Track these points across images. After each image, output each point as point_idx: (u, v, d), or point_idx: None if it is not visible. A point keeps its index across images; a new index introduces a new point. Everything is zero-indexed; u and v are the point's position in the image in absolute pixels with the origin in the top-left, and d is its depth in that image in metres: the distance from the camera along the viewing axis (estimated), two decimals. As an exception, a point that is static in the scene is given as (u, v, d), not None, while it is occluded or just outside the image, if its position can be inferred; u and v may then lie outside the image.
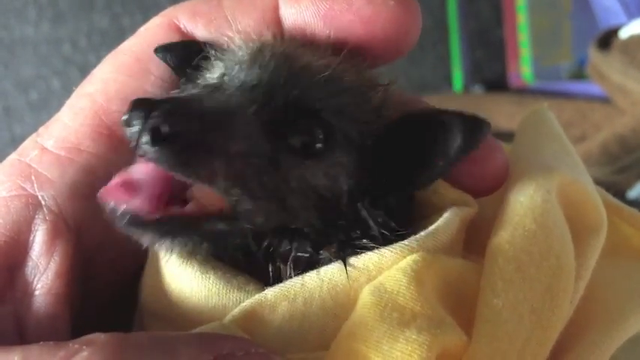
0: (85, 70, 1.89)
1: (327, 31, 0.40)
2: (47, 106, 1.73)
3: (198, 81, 0.42)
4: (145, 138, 0.33)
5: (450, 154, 0.38)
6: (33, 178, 0.39)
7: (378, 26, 0.40)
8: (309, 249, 0.39)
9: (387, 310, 0.35)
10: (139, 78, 0.42)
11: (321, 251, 0.39)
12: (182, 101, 0.35)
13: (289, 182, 0.38)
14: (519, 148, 0.45)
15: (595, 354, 0.39)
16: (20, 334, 0.37)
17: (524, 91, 1.79)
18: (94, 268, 0.41)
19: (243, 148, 0.36)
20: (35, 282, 0.38)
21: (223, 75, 0.40)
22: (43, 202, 0.39)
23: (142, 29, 0.44)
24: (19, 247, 0.38)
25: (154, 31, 0.43)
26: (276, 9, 0.41)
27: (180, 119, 0.34)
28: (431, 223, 0.39)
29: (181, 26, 0.43)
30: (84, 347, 0.31)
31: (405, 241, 0.37)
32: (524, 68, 1.85)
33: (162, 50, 0.43)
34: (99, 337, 0.32)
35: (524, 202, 0.38)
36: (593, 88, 1.38)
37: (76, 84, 0.44)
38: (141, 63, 0.42)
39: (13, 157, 0.41)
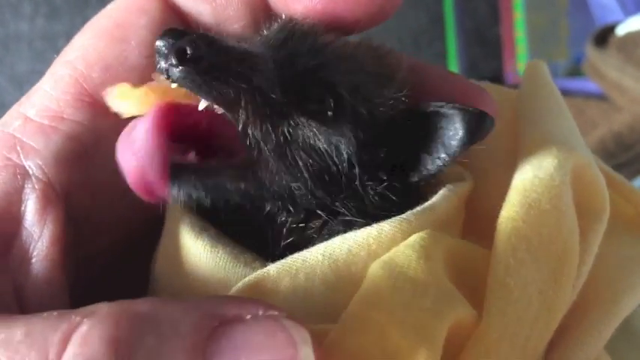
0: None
1: None
2: (42, 102, 1.72)
3: None
4: (171, 59, 0.35)
5: (453, 148, 0.39)
6: (18, 148, 0.39)
7: None
8: (302, 217, 0.40)
9: (400, 282, 0.35)
10: (119, 44, 0.41)
11: (314, 222, 0.40)
12: (209, 35, 0.37)
13: (296, 138, 0.39)
14: (529, 110, 0.44)
15: (594, 336, 0.39)
16: (19, 302, 0.37)
17: (521, 89, 1.78)
18: (83, 236, 0.41)
19: (263, 85, 0.37)
20: (31, 250, 0.38)
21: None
22: (30, 172, 0.39)
23: None
24: (11, 218, 0.38)
25: None
26: None
27: (206, 45, 0.36)
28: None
29: None
30: (84, 320, 0.30)
31: (403, 215, 0.38)
32: (520, 65, 1.85)
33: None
34: (101, 307, 0.31)
35: (543, 179, 0.38)
36: (590, 85, 1.38)
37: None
38: (120, 29, 0.42)
39: None
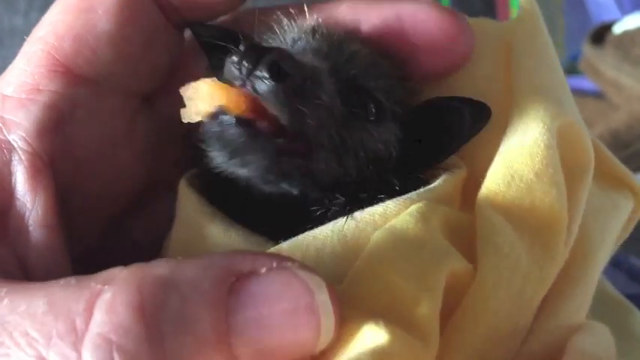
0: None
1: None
2: (36, 97, 1.70)
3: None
4: (263, 72, 0.36)
5: (463, 135, 0.43)
6: (0, 125, 0.40)
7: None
8: (331, 205, 0.42)
9: (399, 240, 0.37)
10: (86, 15, 0.42)
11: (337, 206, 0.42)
12: (288, 51, 0.39)
13: (350, 140, 0.41)
14: (524, 57, 0.45)
15: (580, 287, 0.41)
16: (24, 272, 0.38)
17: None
18: (72, 207, 0.42)
19: (329, 100, 0.40)
20: (26, 219, 0.39)
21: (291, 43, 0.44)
22: (15, 145, 0.40)
23: None
24: (3, 191, 0.39)
25: None
26: None
27: (293, 64, 0.37)
28: None
29: None
30: (106, 287, 0.31)
31: (407, 195, 0.40)
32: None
33: (199, 28, 0.46)
34: (120, 272, 0.32)
35: (526, 145, 0.40)
36: (586, 83, 1.38)
37: None
38: (86, 1, 0.42)
39: None
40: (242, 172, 0.40)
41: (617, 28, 1.33)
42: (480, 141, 0.44)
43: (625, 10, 1.54)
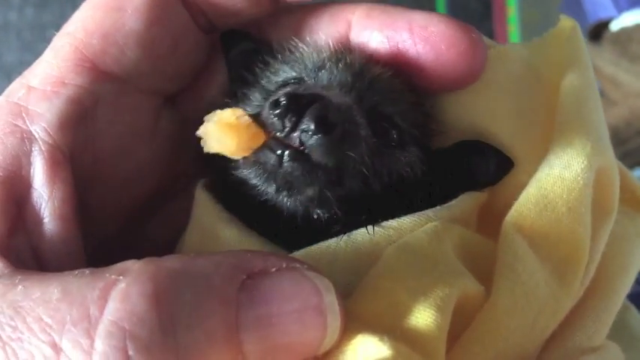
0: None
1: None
2: (31, 93, 1.70)
3: (262, 81, 0.45)
4: (310, 126, 0.36)
5: (490, 175, 0.43)
6: (23, 115, 0.40)
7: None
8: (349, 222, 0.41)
9: (411, 257, 0.37)
10: (116, 13, 0.43)
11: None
12: (323, 96, 0.39)
13: (384, 166, 0.42)
14: (569, 88, 0.44)
15: (592, 319, 0.41)
16: (38, 262, 0.38)
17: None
18: (88, 199, 0.42)
19: (366, 136, 0.40)
20: (42, 210, 0.39)
21: (302, 75, 0.44)
22: (36, 135, 0.40)
23: None
24: (22, 180, 0.39)
25: None
26: None
27: (336, 113, 0.38)
28: None
29: None
30: (120, 277, 0.31)
31: (423, 212, 0.40)
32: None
33: (230, 37, 0.47)
34: (133, 264, 0.32)
35: (566, 179, 0.40)
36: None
37: None
38: (116, 0, 0.43)
39: (0, 99, 0.42)
40: (288, 201, 0.40)
41: (614, 26, 1.34)
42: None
43: (621, 8, 1.54)
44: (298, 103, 0.37)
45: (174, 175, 0.47)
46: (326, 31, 0.46)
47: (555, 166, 0.40)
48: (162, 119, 0.46)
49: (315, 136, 0.37)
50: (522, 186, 0.41)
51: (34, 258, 0.38)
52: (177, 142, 0.47)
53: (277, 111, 0.37)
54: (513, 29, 1.84)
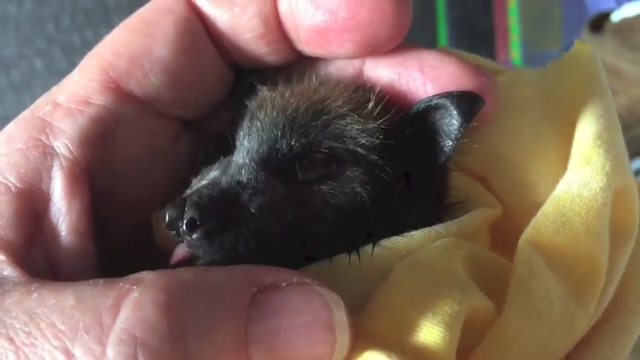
0: (68, 50, 1.86)
1: (315, 16, 0.43)
2: (30, 87, 1.69)
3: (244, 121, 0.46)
4: (184, 229, 0.38)
5: (454, 134, 0.42)
6: (47, 130, 0.42)
7: (361, 13, 0.42)
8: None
9: (420, 274, 0.37)
10: (146, 38, 0.44)
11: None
12: (203, 191, 0.40)
13: (313, 211, 0.41)
14: (586, 108, 0.44)
15: (610, 343, 0.41)
16: (53, 274, 0.39)
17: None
18: (103, 214, 0.44)
19: (265, 209, 0.40)
20: (60, 223, 0.40)
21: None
22: (58, 151, 0.42)
23: None
24: (42, 194, 0.41)
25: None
26: None
27: (202, 210, 0.38)
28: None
29: None
30: (134, 287, 0.32)
31: (432, 227, 0.40)
32: (513, 53, 1.85)
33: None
34: (146, 275, 0.33)
35: (585, 197, 0.40)
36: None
37: (59, 64, 0.47)
38: (148, 25, 0.45)
39: (26, 113, 0.43)
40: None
41: (616, 16, 1.33)
42: (519, 188, 0.44)
43: (620, 1, 1.54)
44: (178, 213, 0.39)
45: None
46: (339, 67, 0.47)
47: (574, 184, 0.40)
48: (180, 142, 0.48)
49: (189, 238, 0.38)
50: (536, 207, 0.41)
51: (50, 270, 0.39)
52: (193, 163, 0.48)
53: (165, 223, 0.40)
54: (514, 23, 1.84)
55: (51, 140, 0.42)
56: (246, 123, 0.45)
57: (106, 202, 0.44)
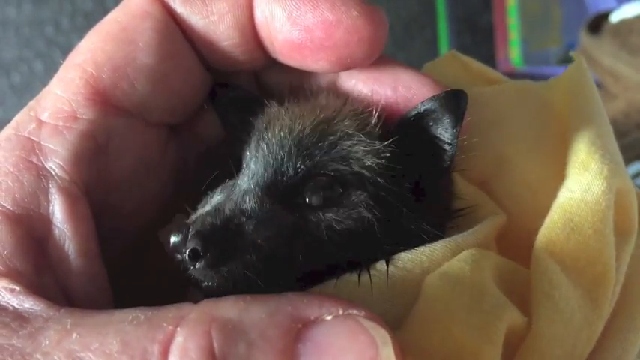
0: (68, 52, 1.86)
1: (290, 32, 0.43)
2: (30, 89, 1.69)
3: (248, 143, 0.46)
4: (186, 259, 0.38)
5: (451, 135, 0.42)
6: (37, 150, 0.40)
7: (337, 34, 0.42)
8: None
9: (457, 288, 0.37)
10: (127, 47, 0.43)
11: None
12: (207, 219, 0.40)
13: (319, 239, 0.41)
14: (581, 113, 0.45)
15: (620, 340, 0.42)
16: (68, 300, 0.38)
17: (512, 76, 1.78)
18: (99, 228, 0.43)
19: (269, 238, 0.40)
20: (67, 247, 0.39)
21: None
22: (52, 172, 0.40)
23: (125, 1, 0.45)
24: (42, 219, 0.39)
25: (137, 2, 0.44)
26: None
27: (205, 240, 0.38)
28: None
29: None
30: (178, 329, 0.32)
31: (451, 237, 0.41)
32: (513, 52, 1.85)
33: (219, 90, 0.48)
34: (189, 312, 0.33)
35: (589, 202, 0.41)
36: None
37: (59, 66, 0.46)
38: (127, 32, 0.43)
39: (9, 132, 0.41)
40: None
41: (614, 17, 1.33)
42: (521, 193, 0.45)
43: (621, 0, 1.54)
44: (182, 240, 0.39)
45: (179, 198, 0.48)
46: (317, 80, 0.47)
47: (576, 190, 0.41)
48: (169, 150, 0.47)
49: (192, 268, 0.39)
50: (541, 210, 0.42)
51: (64, 296, 0.38)
52: (181, 169, 0.48)
53: (168, 249, 0.40)
54: (513, 21, 1.83)
55: (42, 161, 0.40)
56: (253, 144, 0.45)
57: (101, 216, 0.43)
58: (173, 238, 0.39)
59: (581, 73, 0.48)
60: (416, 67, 0.47)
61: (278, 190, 0.42)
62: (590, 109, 0.46)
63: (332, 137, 0.43)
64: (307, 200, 0.42)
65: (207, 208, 0.41)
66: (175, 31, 0.45)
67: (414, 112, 0.43)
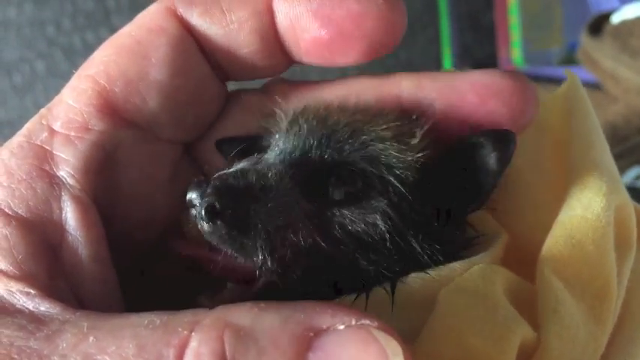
0: (69, 53, 1.86)
1: (319, 29, 0.43)
2: (32, 90, 1.70)
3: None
4: (201, 216, 0.38)
5: (492, 176, 0.42)
6: (49, 159, 0.41)
7: (367, 23, 0.42)
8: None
9: (472, 301, 0.38)
10: (140, 61, 0.43)
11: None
12: (229, 178, 0.40)
13: (327, 233, 0.41)
14: (580, 131, 0.46)
15: (623, 354, 0.42)
16: (80, 304, 0.39)
17: (514, 76, 1.77)
18: (109, 240, 0.43)
19: (283, 221, 0.40)
20: (80, 253, 0.40)
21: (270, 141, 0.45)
22: (64, 181, 0.41)
23: (141, 15, 0.45)
24: (55, 225, 0.40)
25: (152, 16, 0.45)
26: (269, 3, 0.44)
27: (228, 197, 0.38)
28: (478, 248, 0.43)
29: (178, 12, 0.45)
30: (192, 334, 0.32)
31: (471, 257, 0.41)
32: (514, 52, 1.84)
33: (223, 144, 0.47)
34: (204, 318, 0.33)
35: (589, 219, 0.41)
36: (584, 73, 1.37)
37: (61, 66, 0.46)
38: (141, 47, 0.44)
39: (20, 139, 0.42)
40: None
41: (616, 18, 1.32)
42: (522, 210, 0.45)
43: (624, 0, 1.53)
44: (199, 193, 0.39)
45: None
46: (370, 87, 0.46)
47: (576, 208, 0.42)
48: (181, 167, 0.47)
49: (205, 224, 0.38)
50: (543, 226, 0.43)
51: (76, 300, 0.39)
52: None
53: (185, 201, 0.40)
54: (514, 20, 1.83)
55: (54, 170, 0.41)
56: (285, 125, 0.45)
57: (109, 225, 0.43)
58: (190, 193, 0.39)
59: (576, 91, 0.48)
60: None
61: (301, 175, 0.42)
62: (588, 127, 0.46)
63: (365, 137, 0.43)
64: (329, 192, 0.41)
65: (231, 170, 0.41)
66: (191, 46, 0.45)
67: (463, 142, 0.43)
